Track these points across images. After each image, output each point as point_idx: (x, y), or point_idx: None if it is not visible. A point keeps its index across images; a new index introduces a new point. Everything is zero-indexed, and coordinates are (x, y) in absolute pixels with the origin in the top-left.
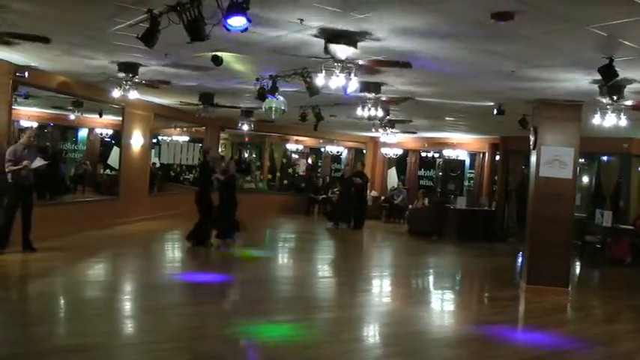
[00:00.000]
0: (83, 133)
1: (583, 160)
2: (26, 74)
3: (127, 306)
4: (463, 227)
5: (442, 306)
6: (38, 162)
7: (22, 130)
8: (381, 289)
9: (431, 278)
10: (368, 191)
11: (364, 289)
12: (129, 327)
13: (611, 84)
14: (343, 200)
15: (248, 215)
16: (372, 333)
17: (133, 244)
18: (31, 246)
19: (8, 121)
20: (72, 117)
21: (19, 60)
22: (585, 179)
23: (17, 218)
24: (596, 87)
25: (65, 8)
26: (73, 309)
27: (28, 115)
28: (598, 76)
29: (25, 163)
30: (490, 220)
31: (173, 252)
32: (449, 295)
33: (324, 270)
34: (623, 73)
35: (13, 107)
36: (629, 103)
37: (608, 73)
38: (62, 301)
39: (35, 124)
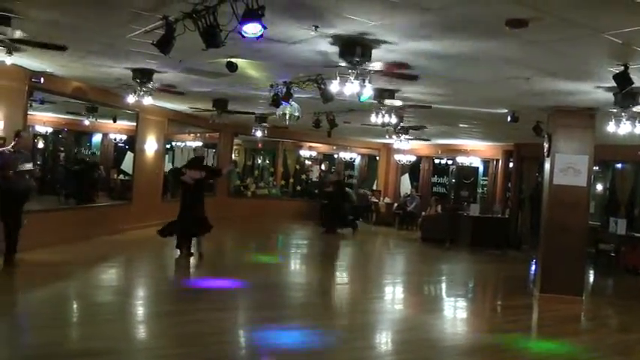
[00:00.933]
0: (97, 138)
1: (597, 167)
2: (42, 80)
3: (140, 311)
4: (476, 234)
5: (455, 313)
6: (25, 167)
7: (17, 133)
8: (393, 296)
9: (444, 285)
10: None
11: (377, 295)
12: (141, 332)
13: (626, 91)
14: (330, 208)
15: (261, 221)
16: (384, 340)
17: (146, 249)
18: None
19: (24, 126)
20: (86, 122)
21: (34, 66)
22: (599, 187)
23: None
24: (610, 94)
25: (81, 15)
26: (86, 313)
27: (44, 121)
28: (613, 84)
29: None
30: (503, 227)
31: (186, 257)
32: (462, 303)
33: (336, 276)
34: (638, 81)
35: (29, 112)
36: None
37: (623, 80)
38: (75, 306)
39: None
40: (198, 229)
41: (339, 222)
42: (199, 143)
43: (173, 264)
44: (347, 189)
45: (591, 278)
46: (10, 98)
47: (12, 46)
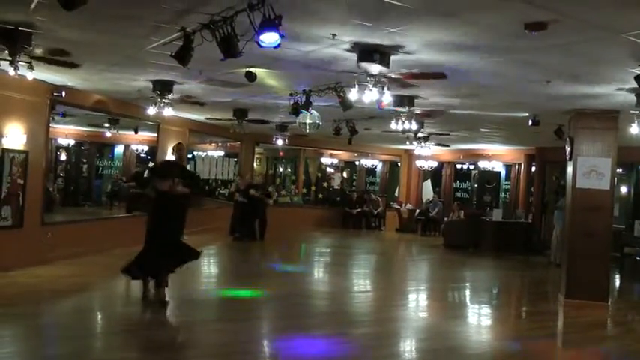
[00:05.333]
0: (119, 149)
1: (621, 170)
2: (63, 93)
3: (163, 321)
4: (499, 240)
5: (479, 320)
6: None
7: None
8: (417, 303)
9: (467, 292)
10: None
11: (401, 303)
12: (165, 342)
13: None
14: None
15: (283, 229)
16: (408, 348)
17: None
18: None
19: (46, 139)
20: (108, 134)
21: (56, 80)
22: (623, 189)
23: None
24: (632, 96)
25: (101, 29)
26: (106, 323)
27: (66, 133)
28: (634, 85)
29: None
30: (527, 232)
31: (209, 267)
32: (486, 309)
33: (359, 284)
34: None
35: (51, 125)
36: None
37: None
38: (99, 316)
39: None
40: (177, 259)
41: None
42: (221, 153)
43: (197, 273)
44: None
45: (617, 283)
46: (33, 112)
47: (31, 62)
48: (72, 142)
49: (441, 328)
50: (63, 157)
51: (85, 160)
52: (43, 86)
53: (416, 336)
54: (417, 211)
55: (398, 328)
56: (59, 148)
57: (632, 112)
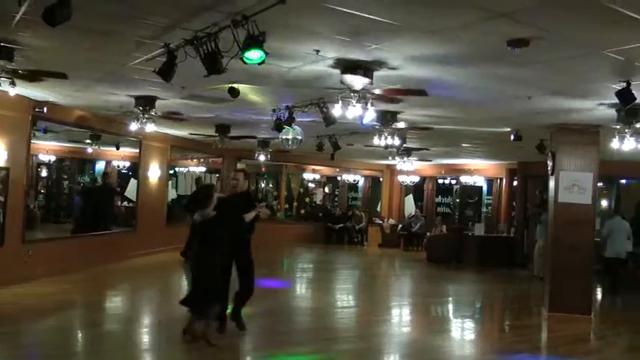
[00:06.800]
0: (100, 165)
1: (602, 184)
2: (45, 109)
3: (146, 339)
4: (482, 254)
5: (463, 335)
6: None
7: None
8: (401, 318)
9: (451, 306)
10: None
11: (384, 318)
12: None
13: (629, 108)
14: None
15: (265, 245)
16: None
17: (152, 276)
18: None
19: (27, 155)
20: (89, 150)
21: (38, 95)
22: (604, 203)
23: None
24: (613, 111)
25: (84, 45)
26: (93, 342)
27: (47, 149)
28: (616, 100)
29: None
30: (509, 246)
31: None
32: (470, 324)
33: (342, 300)
34: None
35: (32, 141)
36: None
37: (625, 97)
38: (81, 335)
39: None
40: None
41: None
42: (202, 169)
43: (180, 290)
44: None
45: (599, 296)
46: (14, 128)
47: (14, 78)
48: (53, 158)
49: (425, 343)
50: (44, 173)
51: (66, 177)
52: (25, 102)
53: (400, 352)
54: (400, 225)
55: (382, 344)
56: (40, 164)
57: (613, 127)
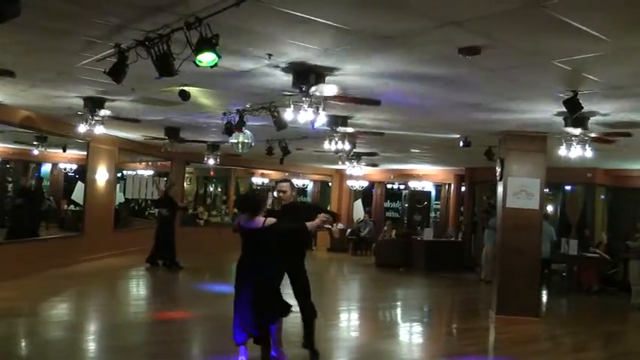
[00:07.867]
0: (46, 168)
1: (548, 190)
2: None
3: (92, 347)
4: (431, 258)
5: (411, 339)
6: None
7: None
8: (349, 322)
9: (399, 311)
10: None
11: (332, 323)
12: None
13: (575, 116)
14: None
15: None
16: None
17: (98, 281)
18: None
19: None
20: (35, 152)
21: None
22: (550, 208)
23: None
24: (561, 119)
25: (31, 43)
26: (38, 350)
27: None
28: (563, 109)
29: None
30: (457, 250)
31: (138, 289)
32: (418, 328)
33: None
34: (587, 106)
35: None
36: (593, 135)
37: (572, 105)
38: (26, 343)
39: None
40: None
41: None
42: (151, 172)
43: (127, 296)
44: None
45: (546, 298)
46: None
47: None
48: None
49: (374, 348)
50: None
51: (10, 179)
52: None
53: (348, 356)
54: (349, 230)
55: (330, 349)
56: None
57: (560, 134)
